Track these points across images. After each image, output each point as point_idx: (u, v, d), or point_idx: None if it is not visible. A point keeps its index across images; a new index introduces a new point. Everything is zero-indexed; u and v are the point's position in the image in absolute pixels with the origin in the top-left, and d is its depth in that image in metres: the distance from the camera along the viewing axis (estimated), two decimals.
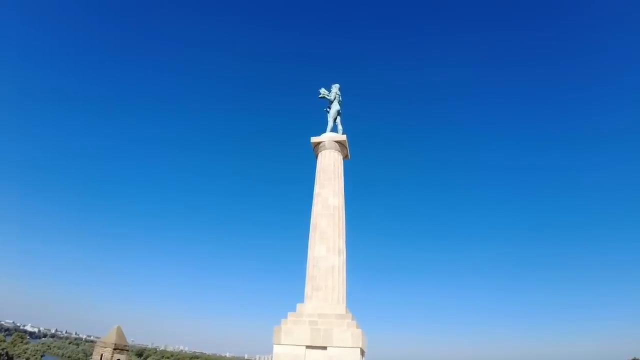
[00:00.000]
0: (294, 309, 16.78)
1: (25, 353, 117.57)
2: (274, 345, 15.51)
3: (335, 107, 21.18)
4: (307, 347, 15.24)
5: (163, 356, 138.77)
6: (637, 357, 45.81)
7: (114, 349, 26.00)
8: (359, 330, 15.38)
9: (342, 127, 21.08)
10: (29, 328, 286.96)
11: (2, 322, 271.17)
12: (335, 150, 19.96)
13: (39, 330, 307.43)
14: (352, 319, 16.09)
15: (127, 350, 27.28)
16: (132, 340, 29.51)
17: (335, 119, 21.05)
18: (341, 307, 16.47)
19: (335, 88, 21.61)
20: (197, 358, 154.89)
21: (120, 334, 27.05)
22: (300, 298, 17.43)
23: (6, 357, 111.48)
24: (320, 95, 21.45)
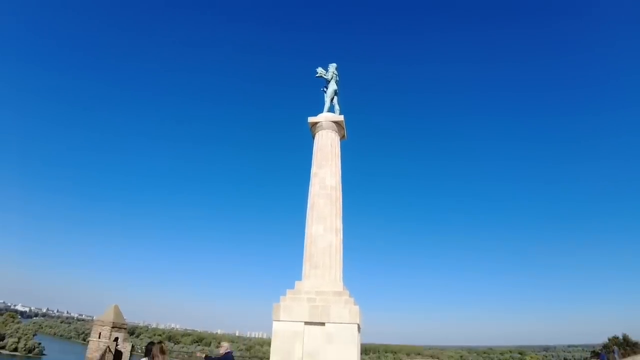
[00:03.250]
0: (292, 287, 17.14)
1: (17, 332, 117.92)
2: (273, 322, 15.88)
3: (333, 86, 21.07)
4: (306, 323, 15.64)
5: (155, 334, 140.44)
6: (617, 335, 47.65)
7: (112, 327, 26.27)
8: (356, 307, 15.80)
9: (339, 107, 21.04)
10: (19, 308, 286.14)
11: None
12: (332, 130, 20.00)
13: (30, 310, 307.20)
14: (349, 296, 16.50)
15: (125, 329, 27.62)
16: (125, 319, 30.16)
17: (332, 99, 20.98)
18: (338, 285, 16.87)
19: (332, 67, 21.41)
20: (189, 335, 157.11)
21: (117, 312, 27.29)
22: (298, 276, 17.77)
23: None
24: (317, 75, 21.28)
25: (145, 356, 8.71)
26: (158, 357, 7.85)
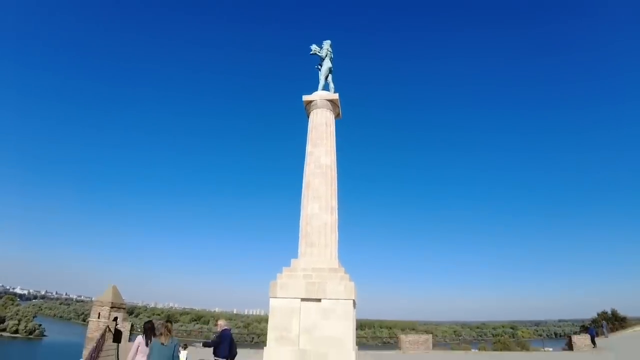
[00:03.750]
0: (288, 265, 17.37)
1: (17, 315, 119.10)
2: (270, 299, 16.17)
3: (327, 64, 20.84)
4: (302, 299, 15.94)
5: (153, 313, 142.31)
6: (606, 311, 48.82)
7: (111, 307, 26.58)
8: (351, 283, 16.10)
9: (334, 85, 20.88)
10: (18, 290, 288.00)
11: None
12: (327, 109, 19.89)
13: (29, 293, 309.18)
14: (345, 273, 16.78)
15: (124, 308, 27.96)
16: (123, 299, 30.42)
17: (326, 77, 20.78)
18: (334, 262, 17.12)
19: (326, 44, 21.13)
20: (187, 314, 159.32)
21: (116, 292, 27.59)
22: (294, 254, 17.99)
23: None
24: (311, 52, 20.99)
25: (143, 334, 8.85)
26: (164, 333, 8.01)
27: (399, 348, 27.07)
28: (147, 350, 8.31)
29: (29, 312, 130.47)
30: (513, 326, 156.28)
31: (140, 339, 8.69)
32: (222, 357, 10.36)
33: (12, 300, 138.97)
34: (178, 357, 7.68)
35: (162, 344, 7.73)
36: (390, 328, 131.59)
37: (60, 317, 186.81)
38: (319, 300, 15.80)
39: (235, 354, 10.87)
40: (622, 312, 48.07)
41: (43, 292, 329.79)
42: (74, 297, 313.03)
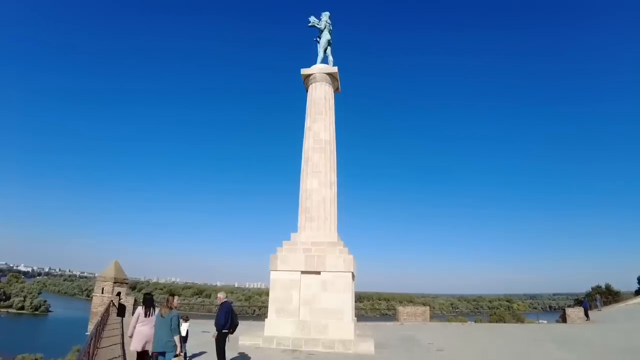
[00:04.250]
0: (288, 239, 17.54)
1: (22, 292, 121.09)
2: (271, 272, 16.41)
3: (326, 36, 20.41)
4: (302, 272, 16.18)
5: (156, 288, 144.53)
6: (600, 285, 49.67)
7: (114, 283, 27.05)
8: (350, 257, 16.30)
9: (333, 58, 20.52)
10: (22, 268, 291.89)
11: None
12: (326, 82, 19.62)
13: (33, 270, 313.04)
14: (344, 246, 16.97)
15: (127, 283, 28.43)
16: (126, 274, 30.89)
17: (325, 50, 20.39)
18: (333, 236, 17.29)
19: (325, 16, 20.63)
20: (189, 288, 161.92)
21: (118, 268, 28.00)
22: (294, 229, 18.14)
23: (4, 296, 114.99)
24: (309, 24, 20.52)
25: (143, 305, 9.09)
26: (164, 306, 8.22)
27: (397, 319, 27.69)
28: (145, 320, 8.68)
29: (33, 288, 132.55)
30: (509, 299, 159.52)
31: (140, 310, 8.98)
32: (224, 328, 10.56)
33: (16, 277, 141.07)
34: (176, 328, 7.83)
35: (162, 315, 8.02)
36: (389, 300, 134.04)
37: (65, 293, 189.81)
38: (318, 273, 16.04)
39: (237, 324, 11.08)
40: (616, 287, 49.08)
41: (47, 269, 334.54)
42: (77, 273, 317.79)
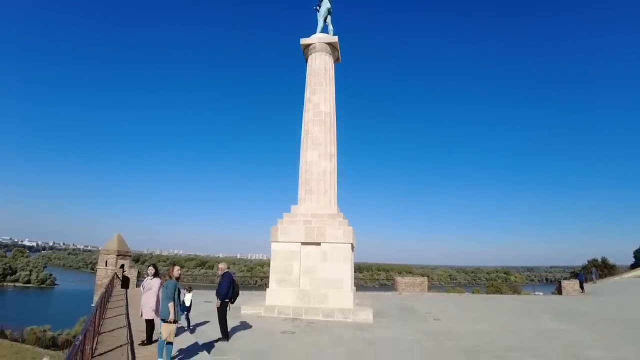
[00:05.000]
0: (288, 211, 17.64)
1: (28, 266, 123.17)
2: (272, 243, 16.60)
3: (326, 4, 19.80)
4: (302, 243, 16.37)
5: (159, 260, 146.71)
6: (596, 258, 50.23)
7: (117, 255, 27.41)
8: (350, 228, 16.44)
9: (333, 27, 20.00)
10: (26, 243, 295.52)
11: (0, 239, 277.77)
12: (326, 52, 19.22)
13: (37, 244, 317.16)
14: (343, 218, 17.10)
15: (130, 256, 28.82)
16: (129, 247, 31.33)
17: (325, 19, 19.83)
18: (333, 208, 17.39)
19: None
20: (192, 260, 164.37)
21: (121, 240, 28.31)
22: (294, 201, 18.23)
23: (10, 271, 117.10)
24: None
25: (146, 275, 9.38)
26: (165, 275, 8.42)
27: (396, 290, 28.20)
28: (149, 286, 9.09)
29: (39, 262, 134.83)
30: (506, 271, 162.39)
31: (146, 279, 9.34)
32: (225, 298, 10.78)
33: (21, 252, 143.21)
34: (170, 296, 7.96)
35: (163, 284, 8.35)
36: (388, 271, 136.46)
37: (70, 266, 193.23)
38: (318, 244, 16.22)
39: (238, 294, 11.30)
40: (612, 261, 49.75)
41: (51, 244, 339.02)
42: (81, 247, 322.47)
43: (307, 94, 18.85)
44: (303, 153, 18.22)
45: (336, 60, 20.15)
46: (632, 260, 54.61)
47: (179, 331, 8.30)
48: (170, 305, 7.81)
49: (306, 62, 19.77)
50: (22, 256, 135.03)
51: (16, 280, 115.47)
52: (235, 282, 11.30)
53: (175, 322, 7.82)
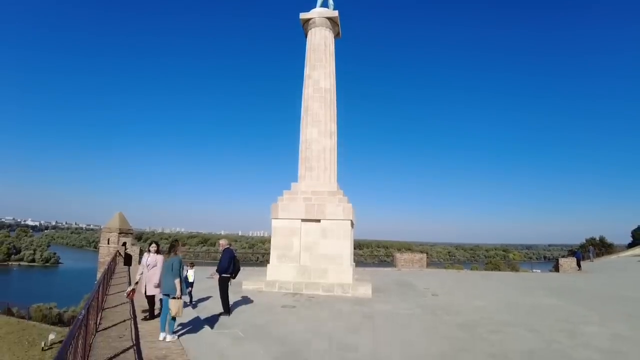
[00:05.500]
0: (288, 188, 17.67)
1: (31, 245, 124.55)
2: (272, 220, 16.70)
3: None
4: (302, 220, 16.47)
5: (161, 238, 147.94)
6: (595, 237, 50.56)
7: (119, 233, 27.65)
8: (349, 205, 16.49)
9: (333, 1, 19.53)
10: (29, 222, 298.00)
11: (3, 220, 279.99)
12: (326, 27, 18.81)
13: (40, 224, 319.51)
14: (343, 195, 17.13)
15: (132, 234, 29.06)
16: (130, 225, 31.58)
17: None
18: (333, 185, 17.41)
19: None
20: (194, 237, 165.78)
21: (122, 218, 28.50)
22: (294, 178, 18.22)
23: (14, 250, 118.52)
24: None
25: (148, 252, 9.47)
26: (169, 251, 8.50)
27: (395, 266, 28.56)
28: (153, 263, 9.09)
29: (42, 242, 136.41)
30: (505, 249, 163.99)
31: (146, 255, 9.41)
32: (225, 272, 10.91)
33: (24, 232, 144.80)
34: (176, 272, 8.04)
35: (165, 259, 8.49)
36: (387, 248, 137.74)
37: (73, 245, 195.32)
38: (318, 220, 16.32)
39: (239, 269, 11.44)
40: (610, 240, 50.15)
41: (53, 223, 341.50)
42: (84, 226, 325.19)
43: (307, 70, 18.57)
44: (303, 130, 18.10)
45: (336, 36, 19.76)
46: (629, 239, 55.08)
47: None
48: (177, 281, 7.93)
49: (306, 37, 19.39)
50: (26, 236, 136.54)
51: (21, 260, 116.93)
52: (236, 257, 11.41)
53: (181, 297, 7.96)
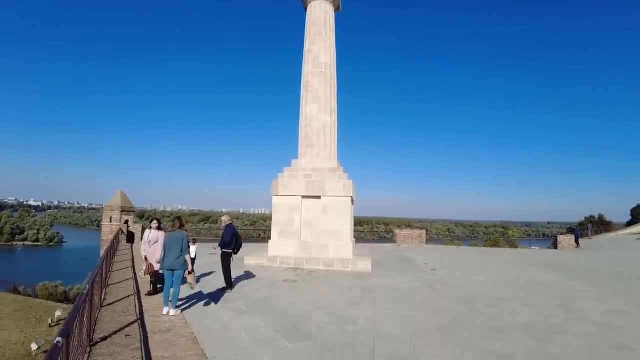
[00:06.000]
0: (289, 165, 17.63)
1: (35, 225, 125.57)
2: (273, 197, 16.75)
3: None
4: (303, 197, 16.52)
5: (163, 216, 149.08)
6: (594, 215, 50.67)
7: (121, 212, 27.80)
8: (350, 182, 16.50)
9: None
10: (32, 203, 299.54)
11: (5, 200, 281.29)
12: (326, 0, 18.35)
13: (43, 204, 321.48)
14: (344, 172, 17.10)
15: (134, 212, 29.22)
16: (132, 203, 31.86)
17: None
18: (333, 162, 17.36)
19: None
20: (196, 215, 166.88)
21: (124, 197, 28.61)
22: (294, 155, 18.16)
23: (18, 230, 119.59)
24: None
25: (150, 228, 9.58)
26: (174, 225, 8.55)
27: (395, 242, 28.84)
28: (156, 239, 9.17)
29: (46, 221, 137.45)
30: (504, 226, 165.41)
31: (147, 231, 9.49)
32: (227, 247, 11.02)
33: (28, 212, 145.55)
34: (187, 245, 8.17)
35: (171, 231, 8.43)
36: (387, 224, 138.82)
37: (76, 224, 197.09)
38: (318, 197, 16.36)
39: (241, 245, 11.55)
40: (609, 218, 50.35)
41: (56, 203, 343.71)
42: (86, 205, 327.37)
43: (307, 45, 18.22)
44: (303, 107, 17.91)
45: (337, 9, 19.28)
46: (628, 217, 55.29)
47: (184, 281, 8.55)
48: (188, 257, 8.20)
49: (305, 10, 18.93)
50: (29, 216, 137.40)
51: (25, 240, 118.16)
52: (238, 234, 11.51)
53: (193, 271, 8.61)
